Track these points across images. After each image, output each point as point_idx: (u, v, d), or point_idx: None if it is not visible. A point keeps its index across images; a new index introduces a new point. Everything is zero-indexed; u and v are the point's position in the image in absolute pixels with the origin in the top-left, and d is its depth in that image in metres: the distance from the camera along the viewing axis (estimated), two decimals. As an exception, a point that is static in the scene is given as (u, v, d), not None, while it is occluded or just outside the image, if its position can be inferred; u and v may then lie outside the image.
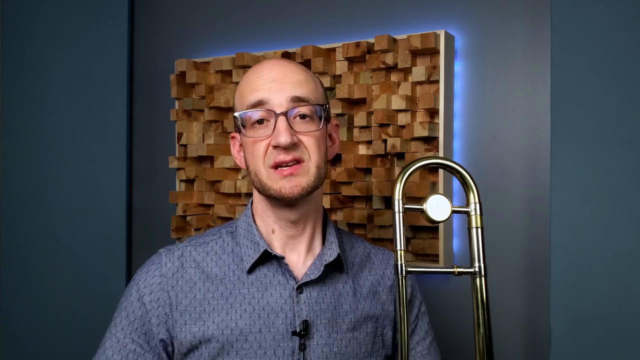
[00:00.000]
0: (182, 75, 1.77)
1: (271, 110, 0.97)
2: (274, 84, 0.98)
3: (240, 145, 1.06)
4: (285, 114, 0.97)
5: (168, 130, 1.86)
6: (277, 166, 0.98)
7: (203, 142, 1.75)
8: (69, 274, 1.99)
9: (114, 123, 1.94)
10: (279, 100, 0.97)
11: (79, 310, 1.96)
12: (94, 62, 1.96)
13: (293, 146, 0.97)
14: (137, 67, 1.97)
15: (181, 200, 1.77)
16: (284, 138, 0.95)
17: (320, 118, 1.01)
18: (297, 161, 0.98)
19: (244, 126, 1.00)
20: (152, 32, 1.95)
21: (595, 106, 1.18)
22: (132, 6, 1.97)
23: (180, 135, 1.77)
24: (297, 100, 0.98)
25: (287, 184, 0.97)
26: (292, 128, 0.97)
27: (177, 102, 1.79)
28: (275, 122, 0.97)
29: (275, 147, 0.97)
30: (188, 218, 1.78)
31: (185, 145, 1.77)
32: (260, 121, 0.99)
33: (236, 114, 1.02)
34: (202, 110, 1.76)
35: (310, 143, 0.99)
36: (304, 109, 0.99)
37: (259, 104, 0.98)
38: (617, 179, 1.16)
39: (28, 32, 2.07)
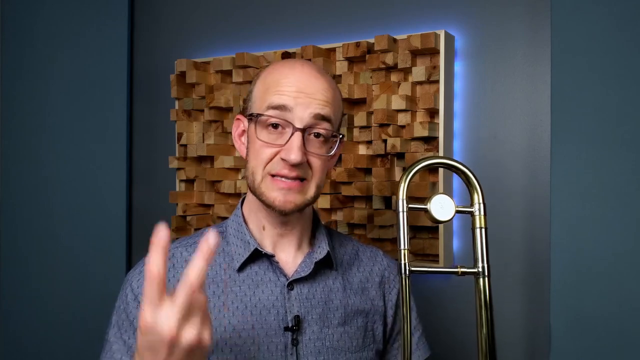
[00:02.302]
0: (182, 75, 1.77)
1: (290, 123, 0.96)
2: (302, 94, 0.97)
3: (244, 130, 1.05)
4: (303, 130, 0.96)
5: (168, 130, 1.86)
6: (276, 175, 0.98)
7: (203, 142, 1.75)
8: (69, 274, 1.98)
9: (114, 123, 1.94)
10: (301, 114, 0.96)
11: (79, 310, 1.96)
12: (94, 62, 1.96)
13: (300, 165, 0.97)
14: (137, 67, 1.97)
15: (181, 200, 1.77)
16: (294, 156, 0.95)
17: (334, 141, 1.01)
18: (299, 178, 0.98)
19: (257, 121, 0.99)
20: (152, 32, 1.95)
21: (595, 106, 1.18)
22: (132, 6, 1.97)
23: (180, 135, 1.77)
24: (320, 118, 0.97)
25: (282, 197, 0.98)
26: (304, 146, 0.97)
27: (177, 102, 1.79)
28: (291, 136, 0.96)
29: (284, 160, 0.96)
30: (188, 218, 1.78)
31: (185, 145, 1.77)
32: (275, 125, 0.98)
33: (255, 113, 0.99)
34: (202, 110, 1.76)
35: (316, 164, 0.99)
36: (322, 130, 0.98)
37: (280, 108, 0.97)
38: (617, 179, 1.16)
39: (28, 32, 2.07)
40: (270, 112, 0.97)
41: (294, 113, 0.96)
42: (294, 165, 0.96)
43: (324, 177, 1.03)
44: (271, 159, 0.98)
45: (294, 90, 0.97)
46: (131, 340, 0.99)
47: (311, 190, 1.00)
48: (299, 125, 0.96)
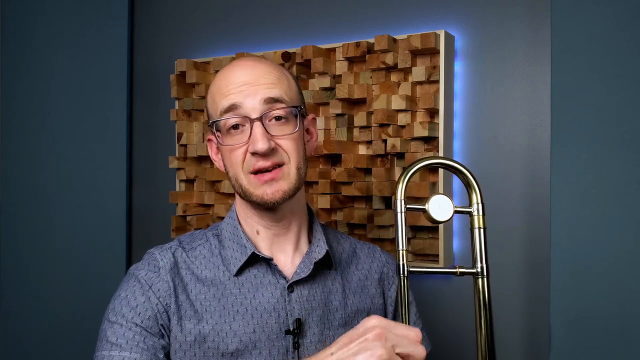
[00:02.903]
0: (182, 75, 1.77)
1: (246, 117, 0.97)
2: (245, 87, 0.97)
3: (218, 148, 1.06)
4: (260, 119, 0.96)
5: (168, 130, 1.86)
6: (257, 172, 0.98)
7: (203, 142, 1.75)
8: (69, 274, 1.98)
9: (114, 123, 1.94)
10: (252, 104, 0.97)
11: (79, 310, 1.96)
12: (94, 62, 1.96)
13: (271, 151, 0.96)
14: (137, 67, 1.97)
15: (181, 200, 1.77)
16: (260, 145, 0.95)
17: (296, 118, 1.00)
18: (278, 165, 0.98)
19: (219, 131, 1.00)
20: (152, 32, 1.95)
21: (595, 106, 1.18)
22: (132, 6, 1.97)
23: (180, 135, 1.77)
24: (271, 101, 0.97)
25: (269, 190, 0.97)
26: (268, 132, 0.96)
27: (177, 102, 1.79)
28: (251, 128, 0.96)
29: (253, 153, 0.96)
30: (188, 218, 1.78)
31: (185, 145, 1.77)
32: (235, 126, 0.98)
33: (210, 122, 1.01)
34: (202, 110, 1.76)
35: (288, 146, 0.99)
36: (278, 112, 0.98)
37: (231, 108, 0.97)
38: (617, 179, 1.16)
39: (28, 32, 2.07)
40: (225, 116, 0.98)
41: (245, 106, 0.97)
42: (266, 155, 0.96)
43: (303, 158, 1.02)
44: (244, 158, 0.98)
45: (238, 85, 0.98)
46: (129, 323, 0.95)
47: (293, 173, 0.99)
48: (254, 115, 0.96)
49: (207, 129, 1.75)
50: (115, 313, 0.97)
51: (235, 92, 0.97)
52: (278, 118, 0.98)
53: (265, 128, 0.96)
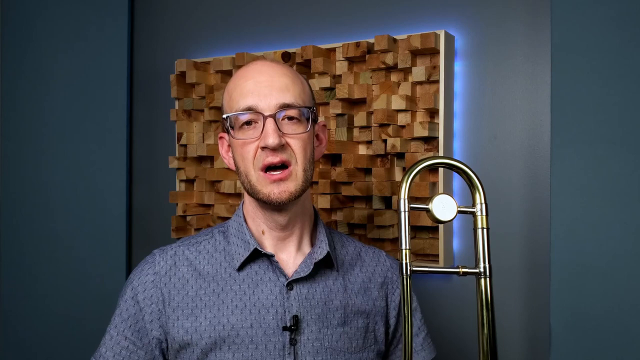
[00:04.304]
0: (182, 75, 1.77)
1: (260, 113, 1.00)
2: (262, 88, 1.01)
3: (229, 145, 1.09)
4: (273, 116, 0.99)
5: (168, 130, 1.86)
6: (266, 169, 1.00)
7: (203, 142, 1.75)
8: (69, 273, 1.98)
9: (114, 123, 1.94)
10: (267, 105, 1.00)
11: (79, 310, 1.96)
12: (94, 62, 1.96)
13: (281, 148, 0.99)
14: (137, 67, 1.97)
15: (181, 200, 1.77)
16: (271, 139, 0.98)
17: (307, 120, 1.03)
18: (285, 165, 1.00)
19: (232, 127, 1.03)
20: (152, 32, 1.95)
21: (595, 106, 1.18)
22: (132, 6, 1.97)
23: (180, 135, 1.77)
24: (285, 107, 1.01)
25: (276, 189, 1.00)
26: (280, 130, 1.00)
27: (177, 102, 1.79)
28: (264, 124, 0.99)
29: (264, 148, 0.99)
30: (188, 218, 1.78)
31: (185, 145, 1.77)
32: (248, 122, 1.01)
33: (225, 116, 1.04)
34: (202, 110, 1.76)
35: (297, 145, 1.01)
36: (291, 112, 1.01)
37: (247, 109, 1.01)
38: (617, 179, 1.16)
39: (28, 32, 2.07)
40: (240, 112, 1.01)
41: (260, 107, 1.00)
42: (275, 150, 0.99)
43: (310, 160, 1.04)
44: (255, 154, 1.01)
45: (255, 86, 1.01)
46: (119, 336, 1.03)
47: (299, 175, 1.02)
48: (267, 113, 1.00)
49: (206, 128, 1.76)
50: (111, 322, 1.06)
51: (252, 93, 1.01)
52: (290, 118, 1.02)
53: (277, 125, 0.99)
